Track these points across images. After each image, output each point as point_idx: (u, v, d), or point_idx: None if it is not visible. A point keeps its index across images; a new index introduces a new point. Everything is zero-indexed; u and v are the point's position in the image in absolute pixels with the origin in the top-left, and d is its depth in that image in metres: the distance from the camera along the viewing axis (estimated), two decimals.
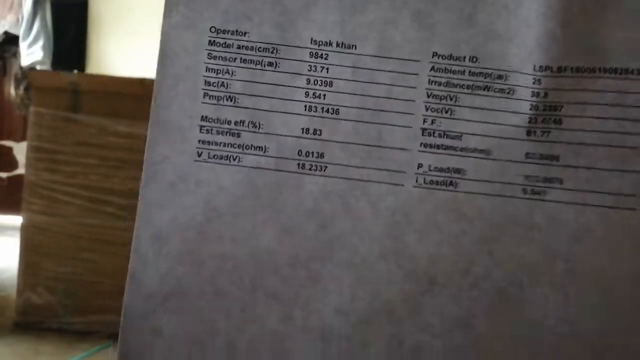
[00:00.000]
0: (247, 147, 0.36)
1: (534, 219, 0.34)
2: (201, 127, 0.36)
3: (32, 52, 2.72)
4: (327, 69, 0.36)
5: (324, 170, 0.35)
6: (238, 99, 0.36)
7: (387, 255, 0.35)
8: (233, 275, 0.36)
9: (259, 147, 0.36)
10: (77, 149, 1.41)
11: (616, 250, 0.34)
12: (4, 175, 1.48)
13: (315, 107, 0.36)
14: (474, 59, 0.35)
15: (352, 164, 0.35)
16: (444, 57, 0.35)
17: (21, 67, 2.80)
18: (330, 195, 0.35)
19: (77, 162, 1.41)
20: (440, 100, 0.35)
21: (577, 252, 0.34)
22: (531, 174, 0.34)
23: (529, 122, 0.34)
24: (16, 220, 1.50)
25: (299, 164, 0.35)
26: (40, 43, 2.73)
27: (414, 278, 0.35)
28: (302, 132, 0.36)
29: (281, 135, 0.36)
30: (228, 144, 0.36)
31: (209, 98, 0.36)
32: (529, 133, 0.35)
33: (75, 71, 1.68)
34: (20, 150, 1.43)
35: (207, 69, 0.37)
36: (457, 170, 0.35)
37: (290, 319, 0.35)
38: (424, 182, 0.35)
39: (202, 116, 0.37)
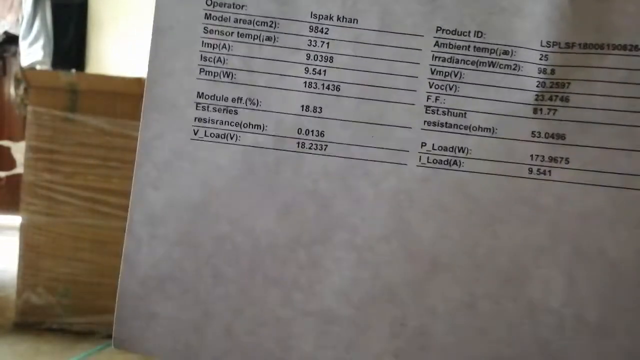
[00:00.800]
0: (245, 125, 0.35)
1: (540, 200, 0.34)
2: (197, 104, 0.35)
3: (32, 52, 2.72)
4: (328, 43, 0.35)
5: (325, 149, 0.35)
6: (235, 74, 0.35)
7: (389, 237, 0.34)
8: (231, 257, 0.35)
9: (257, 125, 0.35)
10: (75, 149, 1.41)
11: (625, 233, 0.33)
12: (2, 174, 1.48)
13: (316, 83, 0.35)
14: (479, 34, 0.34)
15: (353, 143, 0.35)
16: (448, 32, 0.34)
17: (21, 67, 2.80)
18: (331, 175, 0.34)
19: (76, 162, 1.41)
20: (445, 76, 0.34)
21: (584, 233, 0.33)
22: (537, 153, 0.34)
23: (535, 99, 0.34)
24: (15, 220, 1.50)
25: (298, 143, 0.34)
26: (41, 43, 2.73)
27: (418, 259, 0.34)
28: (302, 110, 0.35)
29: (280, 112, 0.35)
30: (225, 121, 0.35)
31: (206, 74, 0.35)
32: (535, 111, 0.34)
33: (74, 70, 1.68)
34: (18, 149, 1.43)
35: (204, 44, 0.35)
36: (462, 149, 0.34)
37: (290, 302, 0.34)
38: (428, 161, 0.34)
39: (199, 92, 0.36)
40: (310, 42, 0.35)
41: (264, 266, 0.35)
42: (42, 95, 1.43)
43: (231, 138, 0.35)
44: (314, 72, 0.35)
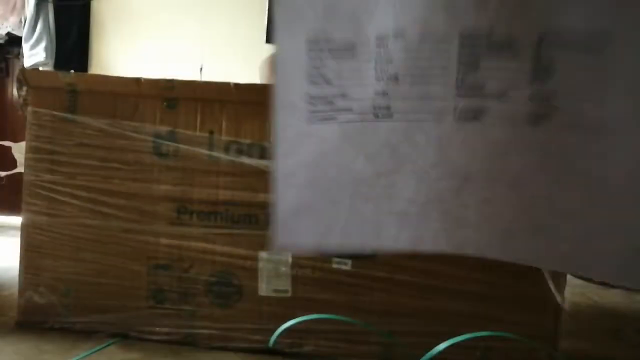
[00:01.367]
0: (339, 110, 0.56)
1: (534, 139, 0.52)
2: (309, 102, 0.57)
3: (35, 54, 2.73)
4: (388, 51, 0.53)
5: (392, 117, 0.55)
6: (331, 80, 0.56)
7: (436, 165, 0.55)
8: (340, 189, 0.56)
9: (347, 109, 0.56)
10: (75, 150, 1.41)
11: (596, 161, 0.53)
12: (2, 174, 1.48)
13: (382, 77, 0.54)
14: (490, 35, 0.50)
15: (410, 111, 0.54)
16: (466, 36, 0.51)
17: (21, 68, 2.82)
18: (397, 132, 0.54)
19: (76, 163, 1.41)
20: (467, 65, 0.51)
21: (566, 160, 0.54)
22: (531, 111, 0.52)
23: (530, 77, 0.51)
24: (17, 220, 1.50)
25: (374, 114, 0.55)
26: (43, 44, 2.74)
27: (455, 176, 0.54)
28: (375, 94, 0.55)
29: (361, 99, 0.55)
30: (327, 110, 0.56)
31: (312, 82, 0.56)
32: (531, 83, 0.51)
33: (72, 71, 1.68)
34: (18, 149, 1.43)
35: (309, 65, 0.56)
36: (480, 110, 0.52)
37: (379, 209, 0.56)
38: (459, 118, 0.53)
39: (309, 94, 0.57)
40: (377, 53, 0.54)
41: (361, 191, 0.57)
42: (42, 95, 1.43)
43: (331, 119, 0.56)
44: (380, 71, 0.54)
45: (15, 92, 2.93)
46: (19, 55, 2.86)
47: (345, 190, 0.58)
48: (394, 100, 0.54)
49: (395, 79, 0.54)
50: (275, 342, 1.33)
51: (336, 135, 0.57)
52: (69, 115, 1.41)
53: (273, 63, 0.59)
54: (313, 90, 0.57)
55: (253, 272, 1.37)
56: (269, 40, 2.64)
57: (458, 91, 0.52)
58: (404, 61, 0.53)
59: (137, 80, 1.39)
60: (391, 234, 0.58)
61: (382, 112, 0.55)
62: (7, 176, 1.43)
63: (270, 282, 1.37)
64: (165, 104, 1.39)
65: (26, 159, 1.43)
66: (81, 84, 1.42)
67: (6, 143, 1.44)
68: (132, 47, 2.89)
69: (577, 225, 0.55)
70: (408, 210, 0.57)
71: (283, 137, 0.59)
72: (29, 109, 1.44)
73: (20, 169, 1.44)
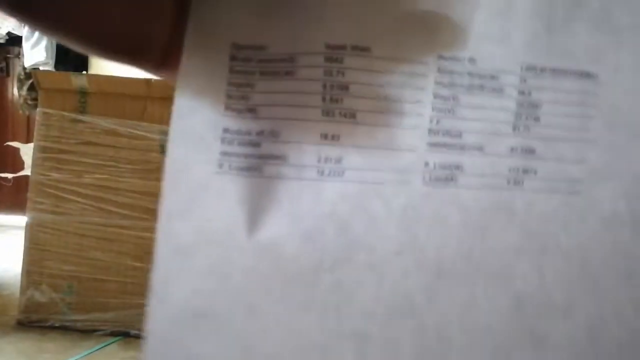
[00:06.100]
0: (267, 157, 0.34)
1: (515, 206, 0.39)
2: (223, 139, 0.35)
3: (35, 53, 2.73)
4: (343, 72, 0.35)
5: (342, 176, 0.35)
6: (258, 110, 0.34)
7: (400, 253, 0.36)
8: (262, 287, 0.32)
9: (279, 156, 0.34)
10: (83, 149, 1.42)
11: (573, 229, 0.39)
12: (10, 176, 1.49)
13: (333, 111, 0.35)
14: (472, 61, 0.37)
15: (367, 168, 0.36)
16: (447, 59, 0.36)
17: (24, 68, 2.82)
18: (348, 198, 0.35)
19: (83, 161, 1.42)
20: (445, 100, 0.36)
21: (546, 232, 0.39)
22: (514, 165, 0.39)
23: (515, 119, 0.38)
24: (18, 220, 1.50)
25: (318, 170, 0.35)
26: (44, 44, 2.74)
27: (426, 269, 0.37)
28: (321, 138, 0.35)
29: (300, 142, 0.35)
30: (249, 154, 0.33)
31: (231, 111, 0.35)
32: (514, 129, 0.38)
33: (85, 72, 1.68)
34: (26, 151, 1.43)
35: (229, 83, 0.35)
36: (457, 167, 0.37)
37: (323, 327, 0.34)
38: (430, 179, 0.37)
39: (224, 128, 0.35)
40: (326, 72, 0.34)
41: (294, 293, 0.33)
42: (53, 97, 1.44)
43: (254, 170, 0.34)
44: (331, 101, 0.35)
45: (15, 91, 2.93)
46: (19, 54, 2.86)
47: (272, 288, 0.37)
48: (349, 150, 0.36)
49: (352, 116, 0.36)
50: None
51: (258, 197, 0.35)
52: (78, 116, 1.42)
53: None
54: (231, 122, 0.34)
55: None
56: None
57: (431, 138, 0.37)
58: (365, 89, 0.35)
59: (147, 81, 1.41)
60: None
61: (329, 168, 0.35)
62: (13, 177, 1.43)
63: None
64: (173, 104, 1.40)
65: (34, 158, 1.43)
66: (92, 85, 1.43)
67: (15, 144, 1.45)
68: None
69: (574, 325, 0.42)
70: (367, 331, 0.35)
71: (177, 187, 0.38)
72: (39, 110, 1.45)
73: (27, 171, 1.44)
